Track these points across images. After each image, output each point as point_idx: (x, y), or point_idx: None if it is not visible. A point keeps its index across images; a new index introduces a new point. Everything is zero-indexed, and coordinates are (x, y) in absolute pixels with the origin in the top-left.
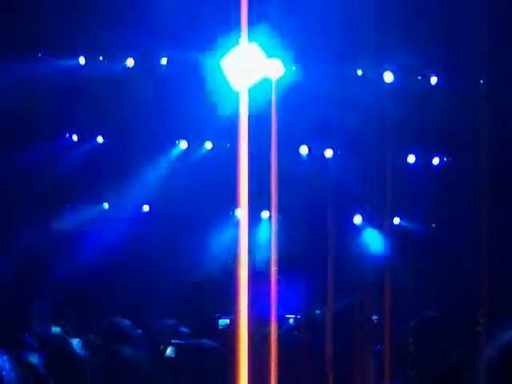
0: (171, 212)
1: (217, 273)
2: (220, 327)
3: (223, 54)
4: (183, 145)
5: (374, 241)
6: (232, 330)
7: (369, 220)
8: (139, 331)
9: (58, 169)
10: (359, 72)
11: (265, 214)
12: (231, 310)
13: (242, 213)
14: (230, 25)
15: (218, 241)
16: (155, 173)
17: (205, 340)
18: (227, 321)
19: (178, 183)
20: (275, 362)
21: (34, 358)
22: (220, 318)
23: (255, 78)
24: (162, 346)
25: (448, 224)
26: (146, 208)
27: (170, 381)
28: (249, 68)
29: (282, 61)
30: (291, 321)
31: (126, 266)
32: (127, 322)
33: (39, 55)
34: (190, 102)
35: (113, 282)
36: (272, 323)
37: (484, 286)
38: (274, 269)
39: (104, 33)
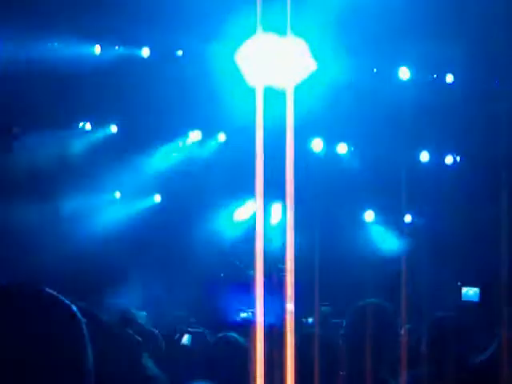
0: (183, 203)
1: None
2: (240, 320)
3: (239, 45)
4: (197, 135)
5: (385, 238)
6: (252, 324)
7: (381, 217)
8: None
9: (72, 157)
10: (375, 69)
11: (277, 209)
12: (250, 305)
13: (257, 205)
14: (247, 18)
15: (230, 234)
16: (168, 162)
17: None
18: (247, 314)
19: (191, 174)
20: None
21: None
22: (241, 311)
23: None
24: (178, 335)
25: (459, 222)
26: (157, 198)
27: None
28: (267, 62)
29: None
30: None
31: (136, 256)
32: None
33: (55, 44)
34: (204, 92)
35: (124, 272)
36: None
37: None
38: (281, 266)
39: (120, 22)
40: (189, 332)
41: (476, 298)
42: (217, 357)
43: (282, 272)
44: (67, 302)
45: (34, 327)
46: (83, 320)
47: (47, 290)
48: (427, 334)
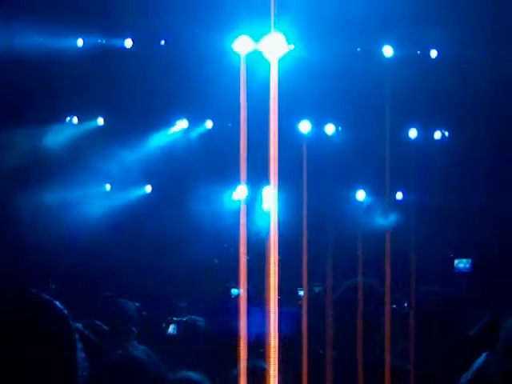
0: (174, 192)
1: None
2: (233, 296)
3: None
4: (184, 124)
5: (377, 216)
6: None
7: (372, 195)
8: (144, 313)
9: (59, 150)
10: (358, 49)
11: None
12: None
13: (241, 191)
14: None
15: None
16: (156, 152)
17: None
18: (239, 291)
19: (178, 162)
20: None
21: None
22: (232, 287)
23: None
24: (164, 324)
25: (450, 196)
26: (148, 189)
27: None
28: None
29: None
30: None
31: (128, 248)
32: (132, 305)
33: (38, 37)
34: (190, 81)
35: (116, 263)
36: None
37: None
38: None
39: (102, 14)
40: (174, 321)
41: (468, 269)
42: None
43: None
44: (59, 306)
45: (27, 330)
46: (73, 325)
47: (42, 294)
48: (414, 308)
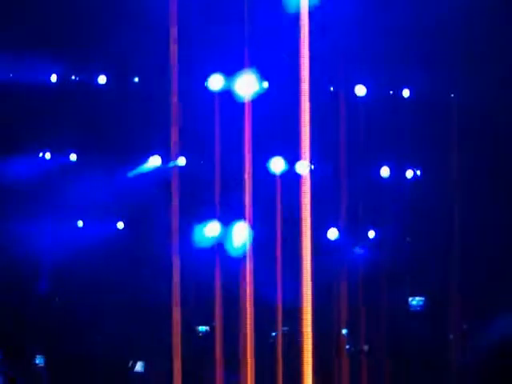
0: (147, 229)
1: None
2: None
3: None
4: (156, 160)
5: (350, 255)
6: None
7: (344, 234)
8: None
9: (32, 186)
10: (331, 88)
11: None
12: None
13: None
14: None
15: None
16: (129, 188)
17: None
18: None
19: (151, 198)
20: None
21: None
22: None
23: None
24: (132, 362)
25: (422, 236)
26: (120, 225)
27: None
28: None
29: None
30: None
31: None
32: None
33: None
34: (163, 117)
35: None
36: None
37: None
38: None
39: (75, 50)
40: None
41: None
42: None
43: None
44: None
45: None
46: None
47: None
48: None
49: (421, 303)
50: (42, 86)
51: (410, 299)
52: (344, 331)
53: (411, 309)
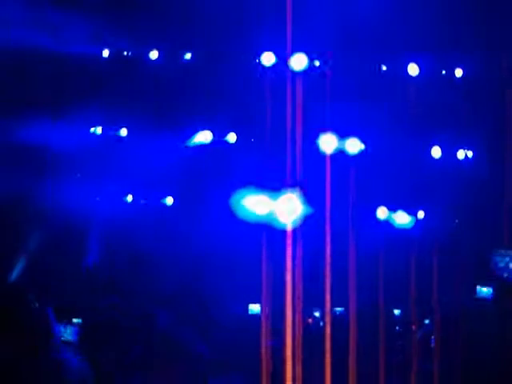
0: (195, 204)
1: None
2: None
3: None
4: (207, 136)
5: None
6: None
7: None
8: None
9: (83, 160)
10: (384, 67)
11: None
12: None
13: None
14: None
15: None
16: (178, 164)
17: None
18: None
19: (200, 175)
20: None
21: None
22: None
23: None
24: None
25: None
26: (169, 200)
27: None
28: None
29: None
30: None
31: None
32: None
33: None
34: (215, 93)
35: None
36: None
37: None
38: None
39: (130, 26)
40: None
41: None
42: None
43: None
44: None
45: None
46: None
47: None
48: None
49: (490, 293)
50: (94, 60)
51: (478, 288)
52: (396, 311)
53: (479, 297)
